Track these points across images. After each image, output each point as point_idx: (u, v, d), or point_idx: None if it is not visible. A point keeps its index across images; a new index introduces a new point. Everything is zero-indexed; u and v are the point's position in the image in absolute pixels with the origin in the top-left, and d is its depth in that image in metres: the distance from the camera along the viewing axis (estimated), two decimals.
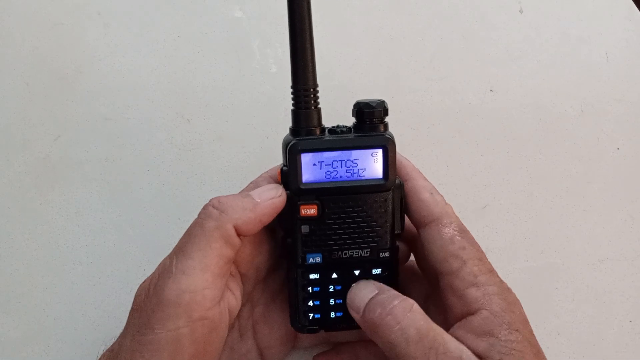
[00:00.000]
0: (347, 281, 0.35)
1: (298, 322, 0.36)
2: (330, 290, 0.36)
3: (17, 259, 0.42)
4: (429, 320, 0.31)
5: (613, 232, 0.45)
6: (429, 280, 0.37)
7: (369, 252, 0.35)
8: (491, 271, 0.34)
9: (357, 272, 0.36)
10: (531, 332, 0.33)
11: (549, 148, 0.46)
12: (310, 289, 0.35)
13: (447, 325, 0.33)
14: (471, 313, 0.32)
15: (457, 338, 0.32)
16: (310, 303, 0.36)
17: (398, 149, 0.35)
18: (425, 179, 0.37)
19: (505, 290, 0.33)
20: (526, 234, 0.45)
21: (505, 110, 0.47)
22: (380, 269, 0.36)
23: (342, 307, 0.36)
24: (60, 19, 0.46)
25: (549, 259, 0.44)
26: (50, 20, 0.46)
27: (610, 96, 0.48)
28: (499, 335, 0.31)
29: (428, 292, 0.37)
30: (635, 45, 0.49)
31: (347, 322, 0.36)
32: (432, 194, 0.36)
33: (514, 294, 0.34)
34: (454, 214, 0.36)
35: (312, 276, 0.35)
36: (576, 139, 0.47)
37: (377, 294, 0.33)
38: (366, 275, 0.36)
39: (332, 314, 0.36)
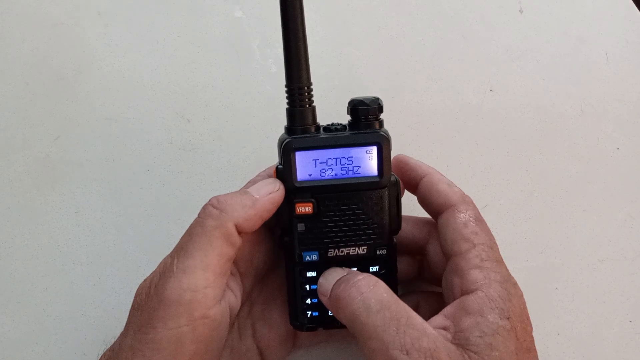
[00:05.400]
0: None
1: (297, 321, 0.36)
2: None
3: (17, 259, 0.42)
4: (395, 296, 0.31)
5: (613, 232, 0.45)
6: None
7: (365, 250, 0.35)
8: (499, 261, 0.33)
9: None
10: (525, 330, 0.31)
11: (549, 148, 0.46)
12: (307, 286, 0.36)
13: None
14: (468, 293, 0.32)
15: (446, 315, 0.31)
16: (309, 301, 0.36)
17: (398, 149, 0.35)
18: (441, 174, 0.36)
19: (509, 282, 0.32)
20: (526, 234, 0.45)
21: (505, 110, 0.47)
22: (377, 267, 0.36)
23: None
24: (60, 19, 0.46)
25: (549, 259, 0.44)
26: (50, 20, 0.46)
27: (610, 96, 0.48)
28: (488, 317, 0.30)
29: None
30: (635, 45, 0.49)
31: None
32: (449, 185, 0.36)
33: (521, 290, 0.33)
34: (473, 203, 0.35)
35: (310, 274, 0.35)
36: (576, 139, 0.47)
37: (344, 275, 0.33)
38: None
39: (331, 312, 0.36)
